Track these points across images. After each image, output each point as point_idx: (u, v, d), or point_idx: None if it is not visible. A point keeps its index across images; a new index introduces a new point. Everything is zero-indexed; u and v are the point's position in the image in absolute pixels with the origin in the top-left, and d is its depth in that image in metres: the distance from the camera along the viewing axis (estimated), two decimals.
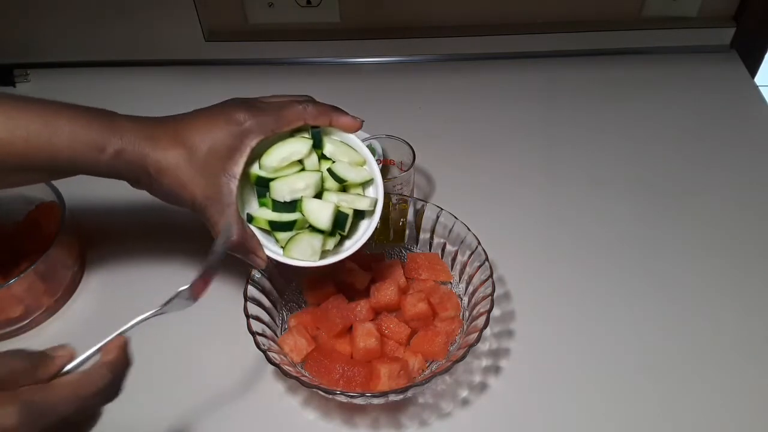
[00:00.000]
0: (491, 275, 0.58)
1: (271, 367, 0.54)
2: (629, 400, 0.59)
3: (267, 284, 0.62)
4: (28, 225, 0.70)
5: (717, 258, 0.70)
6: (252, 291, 0.59)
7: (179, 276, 0.70)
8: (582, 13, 0.94)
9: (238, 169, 0.53)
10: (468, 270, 0.62)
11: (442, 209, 0.65)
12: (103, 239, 0.74)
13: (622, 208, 0.76)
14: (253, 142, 0.53)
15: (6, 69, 0.95)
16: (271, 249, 0.56)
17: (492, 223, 0.66)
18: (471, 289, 0.61)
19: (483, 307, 0.57)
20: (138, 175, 0.53)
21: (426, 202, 0.65)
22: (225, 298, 0.63)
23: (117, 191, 0.80)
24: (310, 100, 0.57)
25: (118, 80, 0.95)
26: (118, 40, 0.94)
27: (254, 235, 0.56)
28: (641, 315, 0.65)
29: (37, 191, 0.69)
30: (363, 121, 0.57)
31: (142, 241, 0.74)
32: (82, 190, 0.78)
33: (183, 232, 0.75)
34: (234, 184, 0.53)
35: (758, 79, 0.94)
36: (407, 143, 0.70)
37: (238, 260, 0.61)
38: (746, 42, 0.94)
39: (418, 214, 0.67)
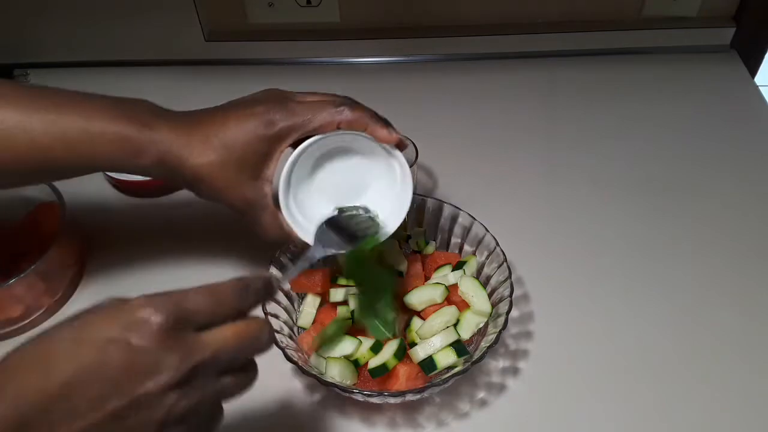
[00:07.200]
0: (510, 276, 0.58)
1: (289, 365, 0.54)
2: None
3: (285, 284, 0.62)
4: (28, 225, 0.70)
5: (719, 258, 0.70)
6: None
7: (180, 276, 0.70)
8: (582, 13, 0.94)
9: (270, 172, 0.54)
10: (486, 271, 0.62)
11: (460, 209, 0.64)
12: (103, 239, 0.74)
13: (623, 208, 0.75)
14: (283, 147, 0.54)
15: (6, 69, 0.95)
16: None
17: (492, 221, 0.66)
18: (489, 290, 0.60)
19: (502, 308, 0.57)
20: (174, 179, 0.54)
21: (444, 202, 0.65)
22: None
23: (118, 191, 0.80)
24: (348, 103, 0.55)
25: (118, 80, 0.95)
26: (118, 40, 0.94)
27: (287, 226, 0.56)
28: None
29: (37, 191, 0.69)
30: (401, 139, 0.55)
31: (143, 241, 0.74)
32: (82, 190, 0.79)
33: (184, 231, 0.75)
34: (268, 187, 0.55)
35: (758, 79, 0.94)
36: (410, 140, 0.70)
37: (255, 260, 0.61)
38: (746, 42, 0.94)
39: (431, 212, 0.67)
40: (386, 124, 0.55)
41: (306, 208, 0.58)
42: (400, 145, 0.56)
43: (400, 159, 0.57)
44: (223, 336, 0.38)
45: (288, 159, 0.55)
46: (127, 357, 0.34)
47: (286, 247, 0.62)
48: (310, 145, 0.54)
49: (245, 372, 0.41)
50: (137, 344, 0.34)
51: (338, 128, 0.54)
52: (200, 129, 0.53)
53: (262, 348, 0.41)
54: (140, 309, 0.36)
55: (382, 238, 0.58)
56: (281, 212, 0.56)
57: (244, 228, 0.74)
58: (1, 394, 0.33)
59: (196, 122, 0.53)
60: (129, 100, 0.54)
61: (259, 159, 0.53)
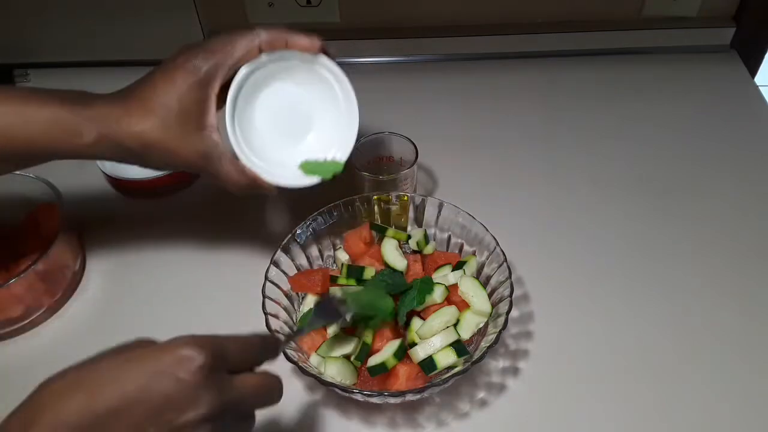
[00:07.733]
0: (510, 276, 0.58)
1: (289, 365, 0.54)
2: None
3: (284, 282, 0.62)
4: (28, 225, 0.70)
5: (719, 258, 0.70)
6: (270, 288, 0.59)
7: (180, 275, 0.70)
8: (582, 13, 0.94)
9: (213, 119, 0.54)
10: (486, 271, 0.62)
11: (460, 209, 0.64)
12: (103, 240, 0.74)
13: (623, 208, 0.76)
14: (216, 86, 0.53)
15: (6, 69, 0.95)
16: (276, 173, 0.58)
17: (492, 220, 0.66)
18: (489, 290, 0.60)
19: (502, 308, 0.57)
20: (123, 155, 0.54)
21: (445, 202, 0.65)
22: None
23: (118, 192, 0.80)
24: (262, 26, 0.56)
25: (118, 80, 0.93)
26: (118, 40, 0.94)
27: (249, 170, 0.56)
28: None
29: (37, 191, 0.69)
30: (324, 45, 0.56)
31: (143, 242, 0.74)
32: (82, 190, 0.79)
33: (184, 232, 0.75)
34: (216, 135, 0.54)
35: (758, 79, 0.94)
36: (410, 140, 0.70)
37: (255, 260, 0.61)
38: (746, 42, 0.94)
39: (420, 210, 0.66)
40: (302, 34, 0.56)
41: (260, 151, 0.58)
42: (329, 53, 0.57)
43: (330, 67, 0.57)
44: (248, 382, 0.42)
45: (227, 101, 0.55)
46: (172, 388, 0.37)
47: (286, 246, 0.62)
48: (242, 79, 0.55)
49: (245, 421, 0.43)
50: (183, 377, 0.37)
51: (260, 53, 0.55)
52: (133, 98, 0.53)
53: (274, 401, 0.44)
54: (186, 347, 0.38)
55: (340, 158, 0.60)
56: (239, 159, 0.56)
57: (245, 229, 0.74)
58: (43, 414, 0.35)
59: (128, 93, 0.54)
60: (67, 90, 0.54)
61: (197, 108, 0.53)
